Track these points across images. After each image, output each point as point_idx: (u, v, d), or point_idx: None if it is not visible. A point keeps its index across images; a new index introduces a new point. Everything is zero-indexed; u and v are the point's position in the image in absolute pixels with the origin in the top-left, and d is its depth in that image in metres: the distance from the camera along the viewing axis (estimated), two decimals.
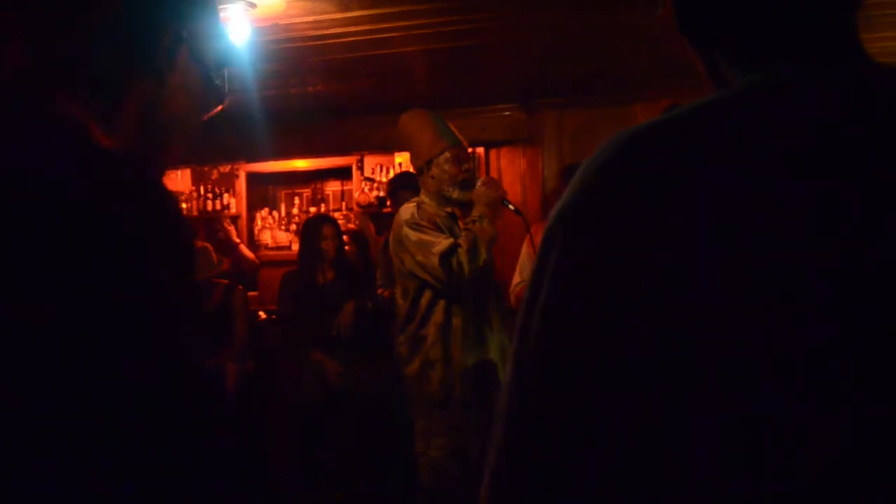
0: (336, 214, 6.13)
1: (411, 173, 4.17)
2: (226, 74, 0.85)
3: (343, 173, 6.36)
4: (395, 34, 3.43)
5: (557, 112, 4.77)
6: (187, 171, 6.60)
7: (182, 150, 0.82)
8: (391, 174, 5.50)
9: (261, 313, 4.58)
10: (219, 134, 5.36)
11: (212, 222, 5.57)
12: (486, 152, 5.16)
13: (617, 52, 3.84)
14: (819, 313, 0.55)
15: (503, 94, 4.81)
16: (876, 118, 0.59)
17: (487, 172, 5.16)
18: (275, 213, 6.81)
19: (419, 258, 2.53)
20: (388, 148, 5.15)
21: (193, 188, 6.64)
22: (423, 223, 2.58)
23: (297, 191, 6.95)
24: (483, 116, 5.04)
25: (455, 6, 3.13)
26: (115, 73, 0.75)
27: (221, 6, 2.89)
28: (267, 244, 6.64)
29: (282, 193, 7.02)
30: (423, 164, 2.71)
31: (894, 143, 0.58)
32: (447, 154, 2.66)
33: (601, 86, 4.46)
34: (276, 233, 6.72)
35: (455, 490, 2.55)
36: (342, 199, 6.66)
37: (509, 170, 5.18)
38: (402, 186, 4.18)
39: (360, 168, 6.04)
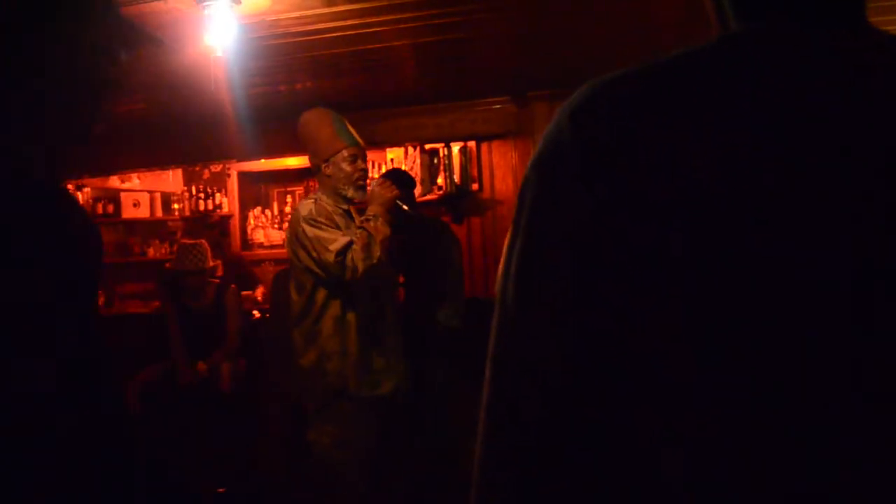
0: None
1: (402, 170, 4.16)
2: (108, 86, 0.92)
3: None
4: (382, 28, 3.40)
5: (548, 104, 4.75)
6: (179, 172, 6.58)
7: (74, 160, 0.88)
8: (382, 170, 5.48)
9: (255, 312, 4.57)
10: (209, 133, 5.34)
11: (211, 224, 5.49)
12: (478, 146, 5.14)
13: (606, 44, 3.83)
14: (803, 297, 0.54)
15: (493, 88, 4.79)
16: (870, 85, 0.57)
17: (479, 166, 5.14)
18: (267, 212, 6.79)
19: (314, 254, 2.58)
20: (379, 144, 5.13)
21: (185, 188, 6.62)
22: (321, 220, 2.64)
23: (289, 189, 6.93)
24: (473, 110, 5.03)
25: None
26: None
27: (206, 3, 2.86)
28: (261, 243, 6.63)
29: (274, 192, 7.01)
30: (320, 162, 2.78)
31: (890, 112, 0.56)
32: (344, 153, 2.73)
33: (591, 78, 4.44)
34: (268, 231, 6.70)
35: (345, 477, 2.65)
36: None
37: (501, 163, 5.16)
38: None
39: None
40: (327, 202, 2.74)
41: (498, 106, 4.99)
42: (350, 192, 2.75)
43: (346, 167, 2.73)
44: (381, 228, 2.62)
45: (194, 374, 3.89)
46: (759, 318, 0.54)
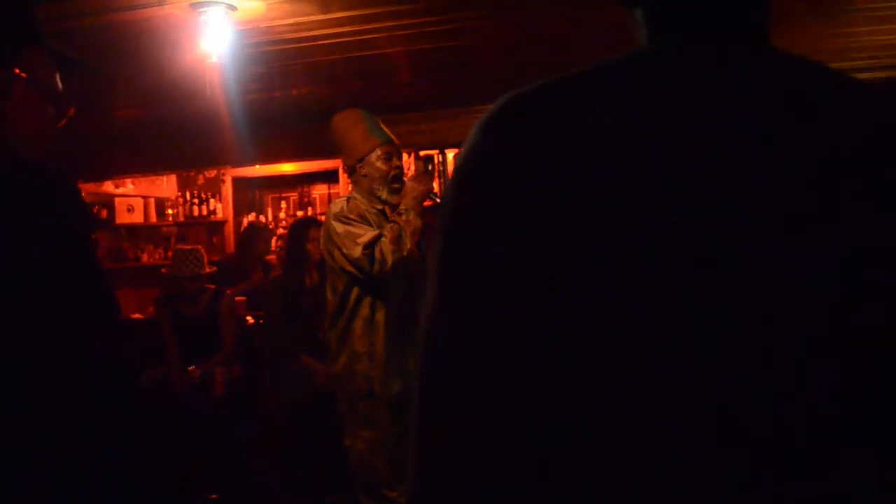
0: (323, 218, 6.10)
1: None
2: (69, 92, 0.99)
3: (330, 176, 6.35)
4: (378, 35, 3.42)
5: None
6: (173, 177, 6.57)
7: (38, 160, 0.93)
8: None
9: (249, 318, 4.56)
10: (204, 139, 5.34)
11: (259, 231, 5.40)
12: None
13: (602, 49, 3.84)
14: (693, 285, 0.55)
15: (488, 95, 4.77)
16: (828, 89, 0.59)
17: None
18: (262, 218, 6.79)
19: (345, 250, 2.56)
20: None
21: (179, 194, 6.61)
22: (352, 216, 2.62)
23: (283, 195, 6.93)
24: (469, 117, 5.04)
25: (438, 6, 3.13)
26: None
27: (202, 9, 2.87)
28: None
29: (268, 198, 7.01)
30: (354, 162, 2.73)
31: (849, 115, 0.57)
32: (378, 151, 2.69)
33: None
34: None
35: (382, 482, 2.61)
36: (329, 203, 6.64)
37: None
38: None
39: None
40: (361, 201, 2.71)
41: None
42: (384, 195, 2.70)
43: (382, 165, 2.68)
44: (412, 221, 2.58)
45: (188, 378, 3.88)
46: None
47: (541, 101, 0.62)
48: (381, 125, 2.76)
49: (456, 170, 0.65)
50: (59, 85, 0.97)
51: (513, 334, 0.58)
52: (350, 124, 2.76)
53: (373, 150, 2.69)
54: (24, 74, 0.90)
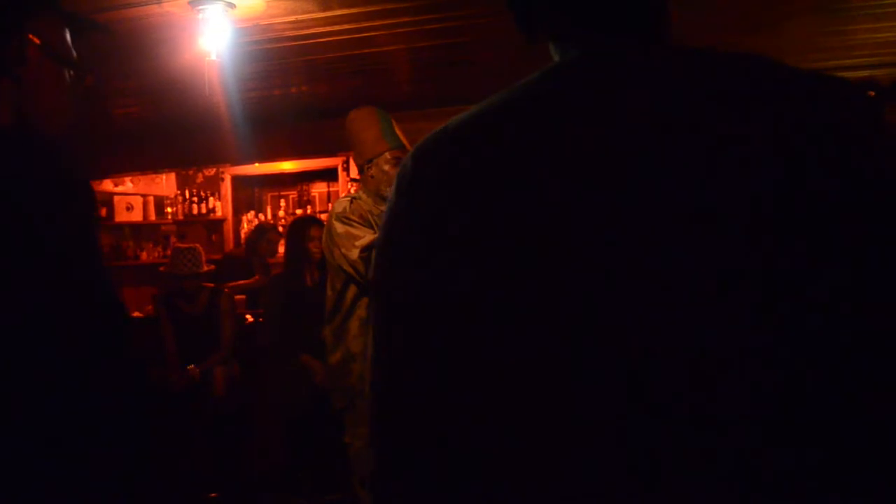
0: (323, 216, 6.10)
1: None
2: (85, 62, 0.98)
3: (329, 175, 6.34)
4: (377, 33, 3.41)
5: None
6: (172, 175, 6.57)
7: (61, 134, 0.93)
8: None
9: (248, 316, 4.56)
10: (203, 137, 5.33)
11: (265, 231, 5.36)
12: None
13: None
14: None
15: (488, 93, 4.79)
16: (651, 112, 0.60)
17: None
18: (261, 216, 6.78)
19: (343, 251, 2.59)
20: None
21: (179, 192, 6.60)
22: (353, 217, 2.64)
23: (282, 193, 6.93)
24: None
25: (437, 4, 3.12)
26: None
27: (201, 6, 2.86)
28: None
29: (268, 196, 7.01)
30: (364, 162, 2.75)
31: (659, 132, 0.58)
32: (387, 155, 2.69)
33: None
34: None
35: None
36: (328, 201, 6.65)
37: None
38: None
39: (346, 169, 6.03)
40: (366, 201, 2.72)
41: None
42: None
43: (390, 169, 2.68)
44: None
45: (186, 378, 3.88)
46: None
47: (461, 137, 0.69)
48: (395, 128, 2.76)
49: (392, 198, 0.72)
50: (73, 50, 0.95)
51: (452, 349, 0.64)
52: (364, 125, 2.75)
53: (382, 154, 2.69)
54: (37, 40, 0.89)
